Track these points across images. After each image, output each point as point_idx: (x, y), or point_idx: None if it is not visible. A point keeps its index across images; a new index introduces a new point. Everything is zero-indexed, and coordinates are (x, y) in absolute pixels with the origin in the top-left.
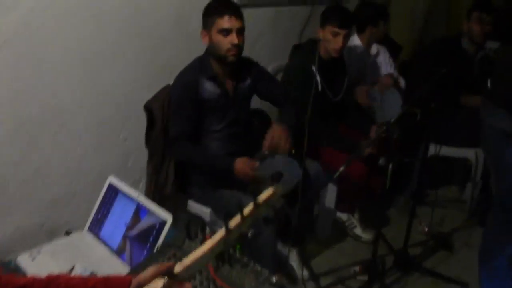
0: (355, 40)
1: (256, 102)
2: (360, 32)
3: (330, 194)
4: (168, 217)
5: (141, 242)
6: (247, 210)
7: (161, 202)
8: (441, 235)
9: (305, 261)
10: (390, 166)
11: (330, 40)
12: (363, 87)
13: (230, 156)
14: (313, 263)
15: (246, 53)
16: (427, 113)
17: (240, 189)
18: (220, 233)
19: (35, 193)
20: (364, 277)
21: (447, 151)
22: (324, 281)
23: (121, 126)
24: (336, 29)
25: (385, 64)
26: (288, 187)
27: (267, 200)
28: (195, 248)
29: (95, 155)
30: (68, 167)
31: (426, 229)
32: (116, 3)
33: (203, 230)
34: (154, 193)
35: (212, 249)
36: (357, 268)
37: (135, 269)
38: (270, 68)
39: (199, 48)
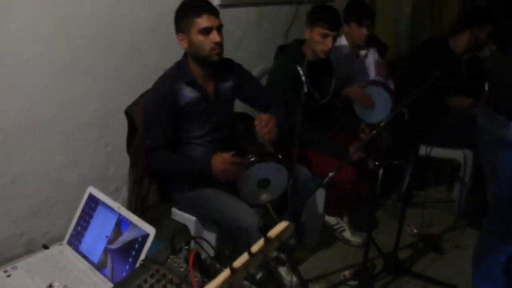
0: (342, 41)
1: (239, 106)
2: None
3: (319, 198)
4: (151, 230)
5: (123, 256)
6: (256, 246)
7: (143, 212)
8: (430, 237)
9: (294, 267)
10: (381, 171)
11: (319, 41)
12: (358, 84)
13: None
14: (302, 269)
15: (229, 55)
16: (416, 115)
17: (220, 187)
18: (224, 274)
19: (13, 202)
20: (354, 283)
21: (434, 152)
22: None
23: (101, 133)
24: (326, 31)
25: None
26: (276, 194)
27: (280, 236)
28: (179, 263)
29: (75, 163)
30: (47, 176)
31: (415, 231)
32: (91, 10)
33: (188, 244)
34: (137, 202)
35: None
36: (347, 273)
37: (118, 285)
38: (255, 71)
39: (178, 53)
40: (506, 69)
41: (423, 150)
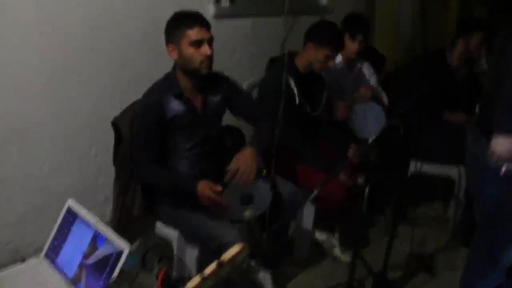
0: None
1: (229, 119)
2: None
3: (307, 214)
4: (125, 247)
5: (97, 272)
6: (209, 270)
7: (127, 224)
8: (422, 257)
9: (280, 285)
10: (367, 189)
11: (321, 61)
12: (344, 102)
13: (196, 178)
14: (290, 285)
15: (222, 66)
16: (408, 129)
17: (206, 212)
18: None
19: None
20: None
21: (428, 168)
22: None
23: (91, 142)
24: (332, 54)
25: (367, 79)
26: (259, 211)
27: (233, 259)
28: (149, 281)
29: (63, 171)
30: (34, 184)
31: (407, 250)
32: (82, 16)
33: (160, 261)
34: (121, 214)
35: None
36: None
37: None
38: (246, 84)
39: (170, 61)
40: (491, 89)
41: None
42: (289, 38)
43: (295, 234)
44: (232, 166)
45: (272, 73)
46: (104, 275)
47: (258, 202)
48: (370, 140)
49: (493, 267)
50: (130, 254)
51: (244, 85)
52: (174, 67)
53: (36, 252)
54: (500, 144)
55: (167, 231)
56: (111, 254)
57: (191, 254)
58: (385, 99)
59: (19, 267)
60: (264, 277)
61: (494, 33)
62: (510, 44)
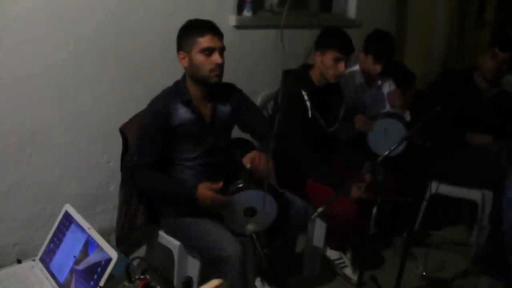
0: (356, 68)
1: (239, 132)
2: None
3: (319, 231)
4: (113, 255)
5: (86, 279)
6: None
7: (131, 233)
8: (439, 281)
9: None
10: (375, 210)
11: (330, 66)
12: (365, 115)
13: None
14: None
15: (245, 78)
16: (428, 149)
17: (209, 217)
18: None
19: (7, 212)
20: None
21: (450, 190)
22: None
23: (103, 148)
24: (340, 55)
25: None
26: (263, 226)
27: None
28: None
29: (74, 177)
30: (43, 188)
31: (424, 274)
32: (95, 25)
33: (144, 273)
34: (124, 222)
35: None
36: None
37: None
38: (260, 96)
39: (182, 73)
40: None
41: (441, 188)
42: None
43: (305, 251)
44: (247, 157)
45: (286, 85)
46: (92, 283)
47: (262, 216)
48: (380, 159)
49: None
50: (124, 261)
51: (259, 98)
52: (184, 75)
53: None
54: None
55: (169, 241)
56: (100, 262)
57: (193, 265)
58: (407, 116)
59: (13, 268)
60: None
61: None
62: None
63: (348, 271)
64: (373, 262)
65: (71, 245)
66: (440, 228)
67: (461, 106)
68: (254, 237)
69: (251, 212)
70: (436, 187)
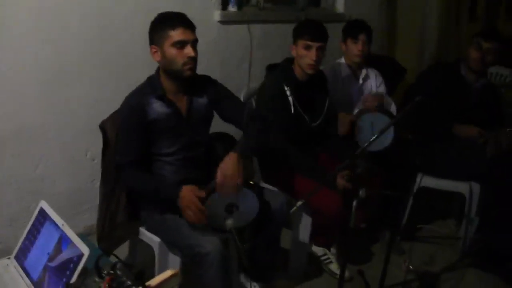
0: (341, 60)
1: (221, 126)
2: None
3: (304, 226)
4: (85, 250)
5: (58, 275)
6: None
7: (112, 230)
8: (427, 275)
9: None
10: (355, 203)
11: (303, 55)
12: (348, 116)
13: (179, 184)
14: None
15: (231, 73)
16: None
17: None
18: None
19: None
20: None
21: (437, 183)
22: None
23: (87, 146)
24: (309, 42)
25: (375, 89)
26: (243, 222)
27: (161, 285)
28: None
29: (58, 174)
30: (28, 186)
31: (411, 268)
32: (80, 21)
33: (113, 268)
34: (105, 219)
35: None
36: None
37: None
38: (243, 92)
39: None
40: None
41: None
42: None
43: (291, 247)
44: (218, 177)
45: (269, 80)
46: (64, 279)
47: (242, 212)
48: (358, 151)
49: None
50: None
51: (242, 93)
52: (158, 69)
53: None
54: None
55: (149, 237)
56: (72, 258)
57: (174, 262)
58: (393, 109)
59: None
60: None
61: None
62: None
63: (334, 266)
64: (361, 257)
65: (45, 242)
66: (430, 221)
67: (448, 98)
68: (234, 232)
69: (232, 208)
70: (419, 180)
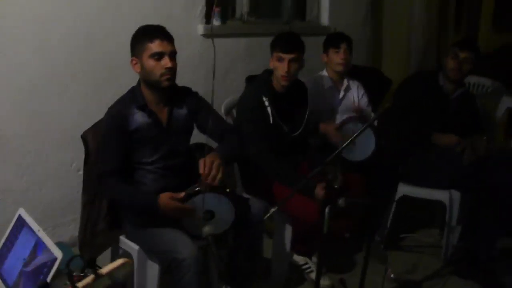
0: (323, 73)
1: (201, 136)
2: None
3: (285, 235)
4: (59, 254)
5: (33, 280)
6: (83, 282)
7: (93, 238)
8: (409, 283)
9: None
10: (327, 210)
11: (277, 67)
12: (331, 125)
13: (159, 193)
14: None
15: (215, 85)
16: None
17: (173, 226)
18: None
19: None
20: None
21: (418, 191)
22: None
23: (72, 157)
24: (280, 54)
25: (357, 100)
26: (219, 229)
27: (111, 273)
28: None
29: (43, 185)
30: (12, 196)
31: (392, 276)
32: (66, 30)
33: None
34: (86, 227)
35: None
36: None
37: None
38: (224, 104)
39: None
40: None
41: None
42: None
43: (272, 256)
44: (203, 166)
45: (248, 91)
46: (38, 283)
47: (219, 220)
48: (330, 158)
49: None
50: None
51: (223, 105)
52: (139, 81)
53: None
54: None
55: (128, 245)
56: (46, 262)
57: (153, 269)
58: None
59: None
60: None
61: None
62: None
63: (315, 275)
64: (343, 265)
65: (22, 248)
66: (414, 230)
67: (426, 107)
68: (210, 239)
69: (209, 216)
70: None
